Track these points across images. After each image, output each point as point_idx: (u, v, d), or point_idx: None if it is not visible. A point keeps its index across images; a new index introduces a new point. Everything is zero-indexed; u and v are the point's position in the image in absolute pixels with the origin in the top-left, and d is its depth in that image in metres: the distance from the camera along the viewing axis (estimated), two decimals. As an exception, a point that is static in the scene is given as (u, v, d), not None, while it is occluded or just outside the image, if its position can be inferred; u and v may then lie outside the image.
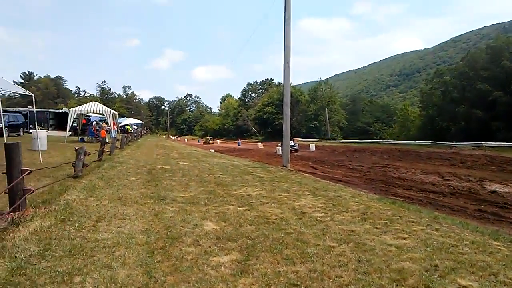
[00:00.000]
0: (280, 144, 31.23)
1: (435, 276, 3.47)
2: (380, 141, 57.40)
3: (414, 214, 6.35)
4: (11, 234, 4.15)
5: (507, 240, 4.91)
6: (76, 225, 4.70)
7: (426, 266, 3.73)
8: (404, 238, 4.72)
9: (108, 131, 27.55)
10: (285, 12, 14.57)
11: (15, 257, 3.54)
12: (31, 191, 5.23)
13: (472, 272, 3.61)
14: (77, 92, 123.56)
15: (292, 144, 30.16)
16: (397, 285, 3.25)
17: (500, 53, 50.41)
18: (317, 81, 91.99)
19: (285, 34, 14.64)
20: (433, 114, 57.15)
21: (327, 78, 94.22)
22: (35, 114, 16.06)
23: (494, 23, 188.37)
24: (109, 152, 15.45)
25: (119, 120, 45.02)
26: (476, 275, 3.53)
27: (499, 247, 4.54)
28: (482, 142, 37.08)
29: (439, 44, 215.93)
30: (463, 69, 55.01)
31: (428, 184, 15.48)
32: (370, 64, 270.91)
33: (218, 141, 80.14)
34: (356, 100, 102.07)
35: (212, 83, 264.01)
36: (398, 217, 5.93)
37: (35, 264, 3.40)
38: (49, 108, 55.13)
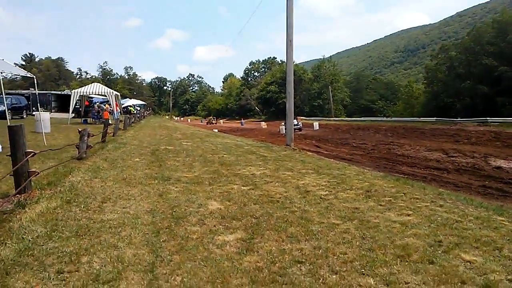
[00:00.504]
0: (283, 123, 31.20)
1: (439, 252, 3.49)
2: (384, 118, 57.09)
3: (418, 191, 6.35)
4: (17, 216, 4.19)
5: (511, 215, 4.91)
6: (82, 206, 4.74)
7: (430, 242, 3.75)
8: (408, 215, 4.73)
9: (111, 112, 27.53)
10: (287, -12, 14.28)
11: (22, 238, 3.58)
12: (36, 173, 5.27)
13: (476, 247, 3.62)
14: (79, 73, 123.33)
15: (296, 123, 30.02)
16: (401, 261, 3.27)
17: (506, 27, 49.39)
18: (320, 59, 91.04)
19: (288, 11, 14.38)
20: (438, 90, 56.57)
21: (330, 56, 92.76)
22: (37, 96, 16.07)
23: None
24: (112, 134, 15.48)
25: (122, 101, 44.90)
26: (480, 250, 3.54)
27: (503, 222, 4.54)
28: (487, 118, 36.79)
29: (444, 19, 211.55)
30: (468, 44, 54.05)
31: (432, 161, 15.44)
32: (374, 40, 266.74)
33: (221, 121, 79.99)
34: (360, 77, 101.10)
35: (215, 63, 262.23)
36: (402, 194, 5.94)
37: (43, 245, 3.44)
38: (51, 90, 55.11)
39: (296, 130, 28.32)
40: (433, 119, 43.97)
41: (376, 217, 4.62)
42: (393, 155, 17.68)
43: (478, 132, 27.30)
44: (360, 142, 24.07)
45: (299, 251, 3.49)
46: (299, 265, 3.19)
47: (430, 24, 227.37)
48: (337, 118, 64.97)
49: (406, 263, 3.24)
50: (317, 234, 3.94)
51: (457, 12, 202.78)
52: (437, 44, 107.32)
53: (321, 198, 5.59)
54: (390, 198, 5.62)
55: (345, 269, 3.12)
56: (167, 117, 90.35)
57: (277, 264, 3.20)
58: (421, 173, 12.45)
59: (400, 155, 17.43)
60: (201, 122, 76.78)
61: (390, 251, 3.50)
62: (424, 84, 65.50)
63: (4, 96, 11.43)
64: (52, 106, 38.02)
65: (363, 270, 3.09)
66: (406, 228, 4.18)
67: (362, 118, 58.99)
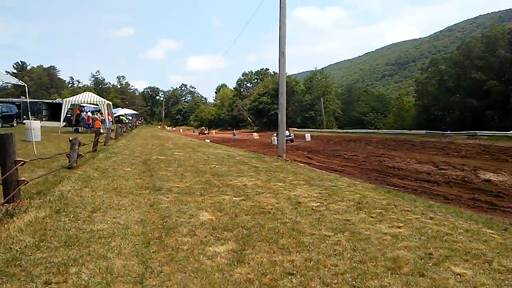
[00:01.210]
0: (275, 134, 31.24)
1: (430, 264, 3.49)
2: (375, 130, 57.47)
3: (409, 203, 6.38)
4: (5, 225, 4.13)
5: (500, 228, 4.95)
6: (71, 216, 4.69)
7: (421, 254, 3.75)
8: (399, 227, 4.75)
9: (103, 121, 27.38)
10: (280, 1, 14.46)
11: (10, 248, 3.52)
12: (25, 182, 5.21)
13: (466, 260, 3.64)
14: (71, 82, 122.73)
15: (288, 134, 30.11)
16: (392, 274, 3.27)
17: (495, 42, 50.41)
18: (312, 70, 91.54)
19: (281, 23, 14.53)
20: (428, 103, 57.30)
21: (322, 68, 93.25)
22: (28, 105, 15.94)
23: (490, 12, 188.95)
24: (103, 143, 15.37)
25: (114, 110, 44.73)
26: (470, 263, 3.56)
27: (493, 235, 4.57)
28: (476, 132, 37.28)
29: (434, 33, 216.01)
30: (458, 58, 55.01)
31: (422, 173, 15.55)
32: (365, 53, 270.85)
33: (214, 131, 79.92)
34: (352, 89, 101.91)
35: (207, 73, 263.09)
36: (393, 206, 5.96)
37: (30, 255, 3.39)
38: (42, 99, 54.66)
39: (288, 141, 28.40)
40: (424, 132, 44.41)
41: (367, 229, 4.62)
42: (384, 167, 17.77)
43: (468, 145, 27.62)
44: (352, 154, 24.18)
45: (290, 262, 3.48)
46: (290, 277, 3.17)
47: (420, 38, 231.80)
48: (328, 130, 65.20)
49: (397, 275, 3.24)
50: (309, 246, 3.93)
51: (446, 27, 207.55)
52: (427, 58, 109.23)
53: (312, 209, 5.59)
54: (381, 210, 5.64)
55: (336, 281, 3.11)
56: (159, 127, 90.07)
57: (268, 276, 3.18)
58: (411, 185, 12.52)
59: (391, 167, 17.53)
60: (193, 132, 76.57)
61: (381, 263, 3.50)
62: (415, 97, 66.42)
63: (-6, 104, 11.32)
64: (43, 114, 37.63)
65: (354, 283, 3.09)
66: (397, 240, 4.19)
67: (354, 130, 59.32)
